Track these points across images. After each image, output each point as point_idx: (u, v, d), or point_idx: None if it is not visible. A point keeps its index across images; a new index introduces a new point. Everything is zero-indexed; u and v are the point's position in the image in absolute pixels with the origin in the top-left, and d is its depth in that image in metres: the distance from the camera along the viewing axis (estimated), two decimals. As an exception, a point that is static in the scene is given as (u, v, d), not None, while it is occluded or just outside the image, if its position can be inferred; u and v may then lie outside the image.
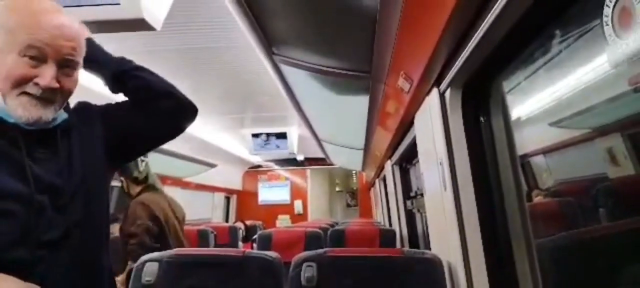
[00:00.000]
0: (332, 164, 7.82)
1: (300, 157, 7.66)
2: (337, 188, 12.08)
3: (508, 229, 1.28)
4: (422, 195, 2.45)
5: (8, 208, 0.78)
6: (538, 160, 1.71)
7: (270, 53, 1.82)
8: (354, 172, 10.32)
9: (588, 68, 1.14)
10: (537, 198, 1.62)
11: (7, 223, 0.77)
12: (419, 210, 3.22)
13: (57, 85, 0.83)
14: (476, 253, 1.29)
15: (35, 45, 0.81)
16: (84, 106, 1.04)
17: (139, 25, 1.54)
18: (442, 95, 1.41)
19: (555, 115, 1.48)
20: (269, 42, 1.73)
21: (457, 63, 1.20)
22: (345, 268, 1.37)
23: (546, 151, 1.67)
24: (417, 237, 3.40)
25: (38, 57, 0.82)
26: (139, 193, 2.37)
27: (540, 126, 1.61)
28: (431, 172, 1.62)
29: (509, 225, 1.28)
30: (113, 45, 2.39)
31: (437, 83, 1.41)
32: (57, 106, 0.87)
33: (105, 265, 0.96)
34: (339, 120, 3.31)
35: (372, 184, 7.29)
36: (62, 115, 0.91)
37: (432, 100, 1.47)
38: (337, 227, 3.31)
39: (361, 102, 2.35)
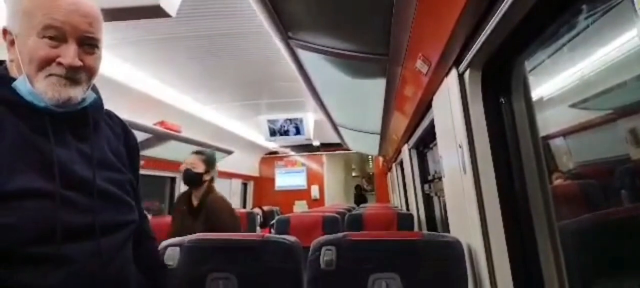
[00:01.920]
0: (348, 149, 7.81)
1: (316, 143, 7.67)
2: (354, 174, 12.09)
3: (530, 212, 1.26)
4: (439, 178, 2.43)
5: (32, 205, 0.77)
6: (560, 142, 1.68)
7: (286, 37, 1.81)
8: (370, 157, 10.30)
9: (614, 44, 1.10)
10: (558, 181, 1.60)
11: (31, 219, 0.76)
12: (436, 194, 3.19)
13: (80, 63, 0.84)
14: (497, 236, 1.27)
15: (53, 25, 0.81)
16: (118, 119, 1.06)
17: (155, 12, 1.55)
18: (461, 77, 1.39)
19: (579, 95, 1.45)
20: (284, 26, 1.72)
21: (476, 43, 1.17)
22: (364, 251, 1.37)
23: (570, 132, 1.63)
24: (435, 221, 3.38)
25: (57, 37, 0.82)
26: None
27: (564, 107, 1.57)
28: (450, 155, 1.60)
29: (531, 207, 1.26)
30: (129, 32, 2.42)
31: (456, 64, 1.38)
32: (85, 86, 0.87)
33: (129, 260, 0.97)
34: (356, 105, 3.29)
35: (389, 169, 7.26)
36: (92, 96, 0.91)
37: (451, 81, 1.45)
38: (354, 212, 3.31)
39: (378, 86, 2.33)
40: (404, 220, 3.04)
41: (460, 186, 1.47)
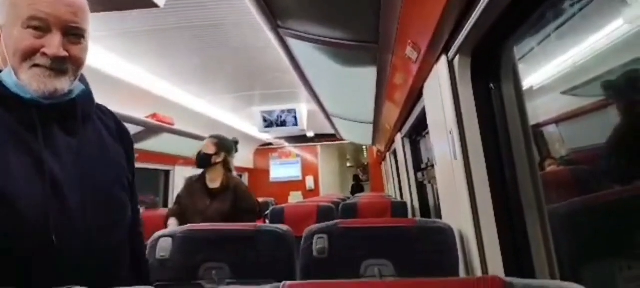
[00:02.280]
0: (342, 140, 7.82)
1: (310, 134, 7.67)
2: (348, 164, 12.11)
3: (520, 196, 1.27)
4: (432, 166, 2.44)
5: (23, 205, 0.76)
6: (551, 129, 1.69)
7: (275, 26, 1.80)
8: (364, 147, 10.32)
9: (606, 31, 1.11)
10: (551, 168, 1.61)
11: (23, 221, 0.76)
12: (430, 182, 3.21)
13: (65, 53, 0.83)
14: (487, 220, 1.28)
15: (37, 16, 0.80)
16: (111, 113, 1.05)
17: (143, 1, 1.53)
18: (450, 63, 1.39)
19: (569, 82, 1.45)
20: (274, 15, 1.71)
21: (465, 28, 1.17)
22: (356, 239, 1.38)
23: (560, 120, 1.64)
24: (428, 208, 3.41)
25: (42, 27, 0.81)
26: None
27: (555, 94, 1.58)
28: (441, 141, 1.61)
29: (520, 192, 1.27)
30: (119, 24, 2.40)
31: (446, 50, 1.38)
32: (72, 77, 0.86)
33: (121, 254, 0.97)
34: (348, 94, 3.29)
35: (383, 158, 7.29)
36: (79, 87, 0.91)
37: (441, 68, 1.45)
38: (348, 201, 3.32)
39: (369, 75, 2.33)
40: (398, 208, 3.06)
41: (452, 172, 1.48)
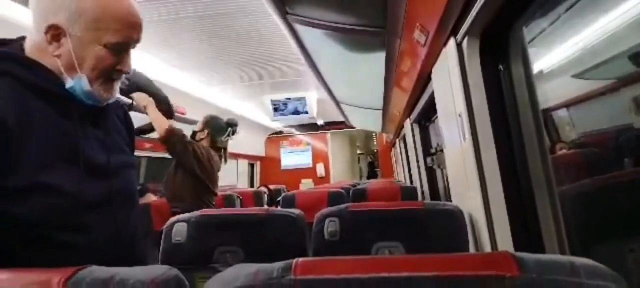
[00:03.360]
0: (351, 127, 7.82)
1: (320, 121, 7.68)
2: (358, 151, 12.12)
3: (530, 178, 1.27)
4: (441, 150, 2.44)
5: (59, 195, 0.80)
6: (561, 113, 1.68)
7: (284, 13, 1.81)
8: (374, 133, 10.31)
9: (617, 12, 1.10)
10: (562, 152, 1.60)
11: (57, 203, 0.80)
12: (439, 166, 3.21)
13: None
14: (497, 202, 1.29)
15: (122, 42, 0.87)
16: (119, 102, 1.11)
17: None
18: (459, 46, 1.39)
19: (580, 65, 1.44)
20: (283, 2, 1.71)
21: (473, 9, 1.16)
22: (367, 222, 1.40)
23: (571, 103, 1.63)
24: (437, 192, 3.41)
25: (121, 50, 0.89)
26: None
27: (566, 77, 1.56)
28: (450, 125, 1.61)
29: (530, 174, 1.27)
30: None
31: (454, 33, 1.38)
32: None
33: (137, 226, 1.03)
34: (357, 81, 3.28)
35: (393, 144, 7.28)
36: None
37: (449, 51, 1.45)
38: (359, 186, 3.34)
39: (378, 60, 2.32)
40: (408, 193, 3.07)
41: (461, 155, 1.49)
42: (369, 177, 10.50)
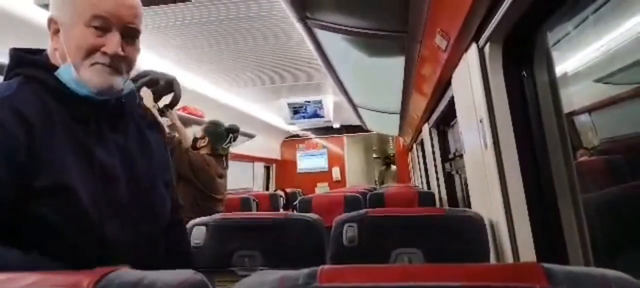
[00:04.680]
0: (368, 130, 7.79)
1: (336, 125, 7.68)
2: (374, 155, 12.07)
3: (553, 185, 1.25)
4: (460, 156, 2.41)
5: (74, 197, 0.79)
6: (583, 119, 1.64)
7: (303, 17, 1.81)
8: (390, 137, 10.26)
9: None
10: (584, 158, 1.57)
11: (72, 209, 0.79)
12: (457, 172, 3.18)
13: (122, 52, 0.86)
14: (519, 209, 1.27)
15: (100, 15, 0.84)
16: (147, 108, 1.11)
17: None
18: (481, 51, 1.37)
19: (606, 69, 1.41)
20: (302, 6, 1.72)
21: (497, 15, 1.15)
22: (386, 228, 1.39)
23: (594, 108, 1.60)
24: (456, 198, 3.37)
25: (103, 27, 0.85)
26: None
27: (587, 82, 1.53)
28: (471, 131, 1.59)
29: (554, 181, 1.25)
30: (150, 19, 2.45)
31: (476, 38, 1.37)
32: (125, 75, 0.91)
33: (159, 247, 1.00)
34: (375, 85, 3.28)
35: (410, 149, 7.23)
36: (129, 85, 0.96)
37: (471, 56, 1.43)
38: (376, 191, 3.33)
39: (397, 65, 2.31)
40: (425, 199, 3.05)
41: (481, 161, 1.47)
42: (385, 169, 10.72)
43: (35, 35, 2.01)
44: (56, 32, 0.87)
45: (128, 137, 0.95)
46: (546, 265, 0.46)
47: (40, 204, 0.77)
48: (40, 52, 0.91)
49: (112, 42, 0.85)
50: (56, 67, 0.86)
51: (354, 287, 0.45)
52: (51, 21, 0.88)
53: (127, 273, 0.48)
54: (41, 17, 1.92)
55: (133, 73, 1.01)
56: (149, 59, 3.02)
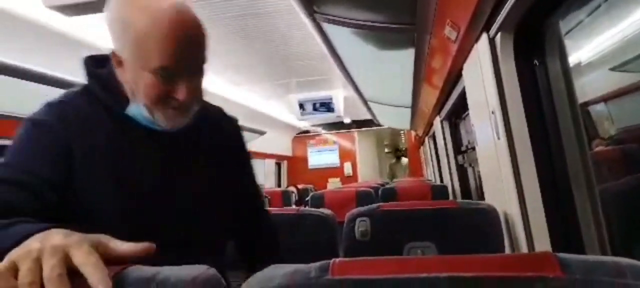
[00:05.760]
0: (379, 125, 7.77)
1: (347, 120, 7.67)
2: (386, 150, 12.03)
3: (568, 175, 1.23)
4: (473, 148, 2.39)
5: (112, 218, 0.79)
6: (598, 108, 1.61)
7: (311, 12, 1.81)
8: (402, 132, 10.22)
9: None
10: (599, 148, 1.54)
11: (109, 224, 0.79)
12: (470, 165, 3.15)
13: (192, 97, 0.82)
14: (534, 201, 1.25)
15: (168, 66, 0.77)
16: (232, 126, 1.08)
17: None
18: (492, 41, 1.35)
19: (621, 57, 1.38)
20: (310, 1, 1.72)
21: (507, 4, 1.14)
22: (398, 221, 1.38)
23: (610, 97, 1.57)
24: (469, 191, 3.35)
25: (171, 75, 0.79)
26: None
27: (604, 70, 1.50)
28: (483, 122, 1.58)
29: (569, 172, 1.23)
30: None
31: (486, 28, 1.35)
32: (195, 108, 0.87)
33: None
34: (385, 79, 3.26)
35: (422, 142, 7.19)
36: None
37: (481, 47, 1.42)
38: (388, 185, 3.32)
39: (407, 57, 2.30)
40: (438, 192, 3.03)
41: (494, 153, 1.45)
42: (396, 162, 10.84)
43: (44, 37, 2.05)
44: (120, 64, 0.82)
45: (185, 153, 0.92)
46: (560, 254, 0.46)
47: (82, 218, 0.78)
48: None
49: (183, 91, 0.80)
50: (110, 82, 0.85)
51: (366, 279, 0.45)
52: (114, 54, 0.82)
53: (143, 268, 0.49)
54: (51, 19, 1.95)
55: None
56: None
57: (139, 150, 0.86)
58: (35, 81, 2.17)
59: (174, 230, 0.87)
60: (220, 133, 1.02)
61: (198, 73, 0.84)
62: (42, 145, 0.79)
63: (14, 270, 0.45)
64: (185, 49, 0.78)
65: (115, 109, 0.85)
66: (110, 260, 0.50)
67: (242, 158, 1.10)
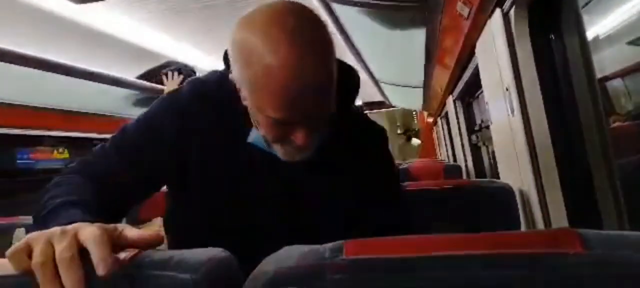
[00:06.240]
0: (391, 106, 7.71)
1: (358, 102, 7.62)
2: (398, 131, 11.96)
3: (586, 152, 1.21)
4: (487, 127, 2.36)
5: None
6: (615, 83, 1.57)
7: (321, -7, 1.78)
8: (414, 112, 10.14)
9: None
10: (616, 124, 1.51)
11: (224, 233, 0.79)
12: (484, 144, 3.12)
13: (311, 143, 0.75)
14: (550, 178, 1.24)
15: (281, 119, 0.71)
16: (375, 139, 0.97)
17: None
18: (505, 16, 1.32)
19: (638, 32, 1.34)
20: (319, -19, 1.69)
21: (522, -23, 1.11)
22: (412, 202, 1.37)
23: (627, 72, 1.53)
24: (483, 171, 3.32)
25: (288, 123, 0.73)
26: None
27: (618, 45, 1.46)
28: (497, 100, 1.55)
29: (586, 148, 1.21)
30: (164, 3, 2.45)
31: (500, 3, 1.32)
32: (318, 142, 0.79)
33: None
34: (396, 59, 3.22)
35: (434, 122, 7.13)
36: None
37: (495, 23, 1.38)
38: (400, 166, 3.30)
39: (418, 36, 2.26)
40: (452, 172, 3.01)
41: (509, 131, 1.43)
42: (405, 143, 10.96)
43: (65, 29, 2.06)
44: (239, 90, 0.78)
45: (307, 170, 0.84)
46: (580, 230, 0.45)
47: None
48: None
49: (301, 137, 0.72)
50: (236, 96, 0.79)
51: (380, 259, 0.44)
52: (233, 81, 0.78)
53: (158, 252, 0.49)
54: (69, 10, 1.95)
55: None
56: (165, 41, 3.04)
57: (258, 171, 0.84)
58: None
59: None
60: (356, 150, 0.90)
61: (319, 120, 0.75)
62: (167, 124, 0.83)
63: (29, 251, 0.46)
64: (301, 102, 0.69)
65: (239, 130, 0.83)
66: (124, 247, 0.51)
67: (378, 178, 0.94)
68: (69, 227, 0.49)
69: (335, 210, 0.87)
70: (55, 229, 0.48)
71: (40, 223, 0.62)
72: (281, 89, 0.66)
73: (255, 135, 0.81)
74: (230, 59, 0.75)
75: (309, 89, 0.67)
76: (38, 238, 0.47)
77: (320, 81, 0.69)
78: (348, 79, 0.89)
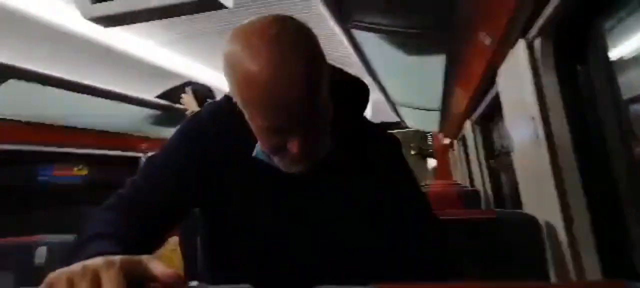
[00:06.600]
0: (406, 127, 7.67)
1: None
2: (412, 152, 11.88)
3: (616, 184, 1.17)
4: (506, 153, 2.32)
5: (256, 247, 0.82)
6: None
7: (343, 19, 1.79)
8: (429, 133, 10.07)
9: None
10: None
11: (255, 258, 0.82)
12: (504, 170, 3.06)
13: (309, 149, 0.73)
14: (579, 212, 1.20)
15: (271, 127, 0.71)
16: (387, 147, 0.95)
17: (212, 4, 1.56)
18: (530, 46, 1.31)
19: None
20: (340, 7, 1.70)
21: (547, 9, 1.09)
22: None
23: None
24: (502, 197, 3.25)
25: (280, 131, 0.71)
26: None
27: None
28: (520, 128, 1.52)
29: (617, 179, 1.17)
30: (187, 26, 2.49)
31: (523, 34, 1.30)
32: (321, 151, 0.78)
33: None
34: (414, 83, 3.21)
35: (451, 145, 7.06)
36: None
37: (518, 52, 1.37)
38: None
39: (438, 62, 2.26)
40: (470, 198, 2.95)
41: (534, 160, 1.40)
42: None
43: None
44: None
45: (325, 175, 0.82)
46: (633, 283, 0.42)
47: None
48: None
49: (295, 146, 0.71)
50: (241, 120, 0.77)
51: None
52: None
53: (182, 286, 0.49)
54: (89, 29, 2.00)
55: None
56: (189, 64, 3.09)
57: (267, 188, 0.84)
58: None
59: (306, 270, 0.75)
60: (366, 158, 0.88)
61: (314, 127, 0.72)
62: (190, 150, 0.84)
63: None
64: (286, 106, 0.67)
65: (246, 147, 0.82)
66: (148, 280, 0.50)
67: (394, 184, 0.91)
68: (90, 264, 0.48)
69: (365, 213, 0.86)
70: (77, 267, 0.48)
71: (71, 256, 0.63)
72: (263, 93, 0.66)
73: (258, 150, 0.81)
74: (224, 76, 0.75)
75: (292, 90, 0.65)
76: (59, 278, 0.47)
77: (304, 82, 0.66)
78: (354, 90, 0.90)
